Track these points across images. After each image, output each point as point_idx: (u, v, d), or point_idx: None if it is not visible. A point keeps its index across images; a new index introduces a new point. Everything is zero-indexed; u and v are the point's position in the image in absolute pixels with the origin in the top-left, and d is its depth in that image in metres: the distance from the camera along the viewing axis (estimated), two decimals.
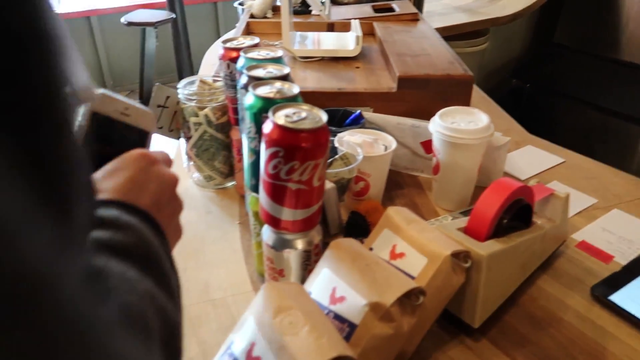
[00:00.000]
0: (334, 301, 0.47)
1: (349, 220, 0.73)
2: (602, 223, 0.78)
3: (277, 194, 0.49)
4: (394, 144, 0.75)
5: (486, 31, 2.01)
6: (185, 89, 0.75)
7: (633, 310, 0.61)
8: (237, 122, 0.71)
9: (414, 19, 1.24)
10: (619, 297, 0.63)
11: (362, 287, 0.46)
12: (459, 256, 0.52)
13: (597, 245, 0.73)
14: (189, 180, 0.85)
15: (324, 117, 0.47)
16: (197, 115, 0.74)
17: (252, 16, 1.27)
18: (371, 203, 0.76)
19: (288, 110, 0.47)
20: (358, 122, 0.80)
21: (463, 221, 0.60)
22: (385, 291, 0.45)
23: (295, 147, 0.45)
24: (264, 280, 0.64)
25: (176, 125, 0.78)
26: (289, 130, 0.45)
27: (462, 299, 0.56)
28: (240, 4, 1.38)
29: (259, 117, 0.51)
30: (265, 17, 1.27)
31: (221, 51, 0.67)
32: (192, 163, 0.81)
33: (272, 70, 0.57)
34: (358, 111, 0.78)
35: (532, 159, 0.95)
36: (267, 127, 0.46)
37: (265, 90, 0.52)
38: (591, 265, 0.70)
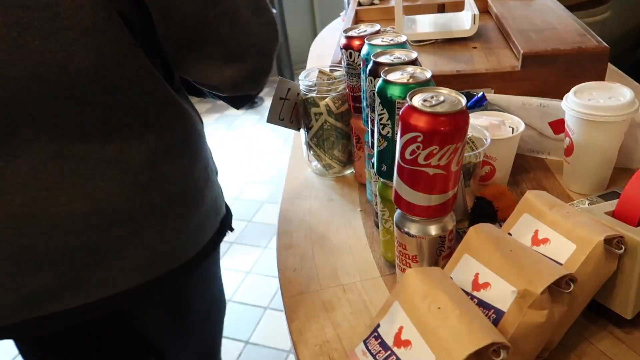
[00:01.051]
0: (478, 287, 0.46)
1: (475, 206, 0.71)
2: None
3: (414, 179, 0.48)
4: (522, 126, 0.72)
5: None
6: (305, 80, 0.77)
7: None
8: (356, 110, 0.72)
9: None
10: None
11: (508, 273, 0.45)
12: (612, 242, 0.49)
13: None
14: (309, 170, 0.88)
15: (462, 100, 0.46)
16: (317, 106, 0.76)
17: (359, 4, 1.27)
18: (497, 188, 0.73)
19: (425, 95, 0.47)
20: (481, 104, 0.77)
21: (609, 205, 0.56)
22: (535, 278, 0.44)
23: (435, 131, 0.45)
24: (393, 266, 0.65)
25: (296, 116, 0.81)
26: (429, 114, 0.44)
27: (612, 287, 0.52)
28: None
29: (392, 104, 0.51)
30: (372, 4, 1.26)
31: (343, 40, 0.67)
32: (312, 152, 0.83)
33: (400, 55, 0.57)
34: (481, 92, 0.75)
35: None
36: (404, 113, 0.46)
37: (397, 76, 0.52)
38: None
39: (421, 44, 0.99)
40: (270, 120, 0.77)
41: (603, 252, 0.48)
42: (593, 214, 0.53)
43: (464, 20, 1.03)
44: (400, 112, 0.47)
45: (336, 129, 0.78)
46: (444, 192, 0.49)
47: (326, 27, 1.57)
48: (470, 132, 0.69)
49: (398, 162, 0.49)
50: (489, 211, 0.71)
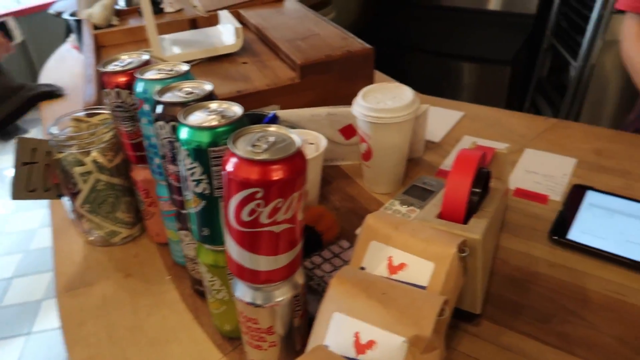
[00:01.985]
0: (362, 349, 0.39)
1: None
2: (523, 165, 0.81)
3: (257, 243, 0.38)
4: (323, 141, 0.68)
5: (328, 0, 2.00)
6: (56, 134, 0.58)
7: (591, 242, 0.63)
8: (140, 160, 0.57)
9: None
10: (574, 235, 0.64)
11: (391, 322, 0.39)
12: (459, 248, 0.48)
13: (530, 189, 0.75)
14: (85, 245, 0.68)
15: (294, 137, 0.38)
16: (82, 164, 0.58)
17: (95, 27, 1.06)
18: (314, 210, 0.68)
19: (250, 137, 0.37)
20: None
21: (433, 207, 0.56)
22: (419, 319, 0.39)
23: (277, 182, 0.35)
24: (234, 338, 0.53)
25: (53, 182, 0.61)
26: (265, 164, 0.35)
27: (461, 289, 0.52)
28: (72, 14, 1.15)
29: (205, 154, 0.39)
30: (110, 26, 1.07)
31: (104, 78, 0.52)
32: (86, 221, 0.64)
33: (191, 88, 0.45)
34: (272, 112, 0.69)
35: (436, 119, 0.95)
36: (231, 166, 0.35)
37: (201, 118, 0.40)
38: (534, 210, 0.71)
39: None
40: (15, 196, 0.56)
41: (458, 262, 0.46)
42: (429, 222, 0.52)
43: (223, 35, 0.95)
44: (224, 165, 0.36)
45: (114, 187, 0.61)
46: (293, 248, 0.41)
47: (51, 57, 1.30)
48: None
49: (232, 227, 0.38)
50: (313, 238, 0.65)
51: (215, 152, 0.39)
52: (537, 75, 2.23)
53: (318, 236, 0.66)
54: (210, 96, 0.44)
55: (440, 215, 0.54)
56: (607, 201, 0.69)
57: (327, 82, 0.79)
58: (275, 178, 0.35)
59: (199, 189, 0.42)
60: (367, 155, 0.73)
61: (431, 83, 2.28)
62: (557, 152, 0.83)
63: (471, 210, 0.55)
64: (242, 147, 0.36)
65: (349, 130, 0.78)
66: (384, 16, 2.50)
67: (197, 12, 0.98)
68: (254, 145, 0.36)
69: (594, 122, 1.84)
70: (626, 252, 0.61)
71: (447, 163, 0.83)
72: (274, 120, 0.69)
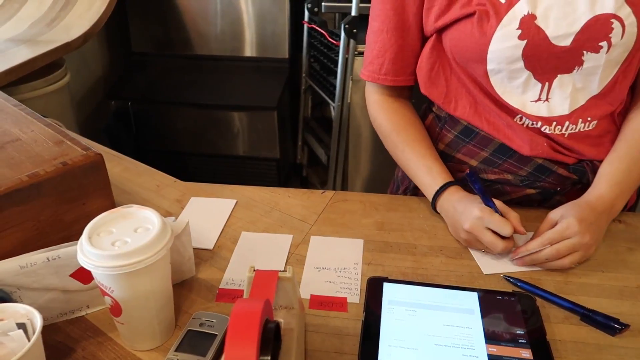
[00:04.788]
0: None
1: None
2: (312, 262, 0.71)
3: None
4: (37, 318, 0.45)
5: (62, 61, 1.68)
6: None
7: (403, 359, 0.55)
8: None
9: None
10: (384, 354, 0.56)
11: None
12: None
13: (325, 293, 0.65)
14: None
15: None
16: None
17: None
18: None
19: None
20: None
21: None
22: None
23: None
24: None
25: None
26: None
27: None
28: None
29: None
30: None
31: None
32: None
33: None
34: None
35: (205, 218, 0.79)
36: None
37: None
38: (335, 322, 0.61)
39: None
40: None
41: None
42: None
43: None
44: None
45: None
46: None
47: None
48: None
49: None
50: None
51: None
52: (303, 115, 2.28)
53: None
54: None
55: None
56: (405, 294, 0.63)
57: (38, 212, 0.56)
58: None
59: None
60: (115, 311, 0.53)
61: (199, 137, 2.14)
62: (342, 234, 0.76)
63: None
64: None
65: (84, 274, 0.57)
66: (137, 71, 2.27)
67: None
68: None
69: (359, 155, 1.94)
70: None
71: (228, 277, 0.68)
72: None
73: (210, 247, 0.73)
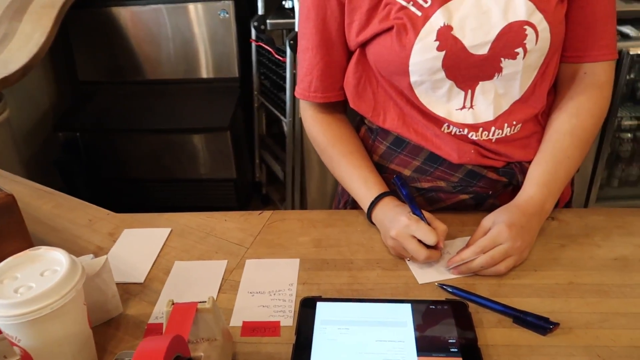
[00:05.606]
0: None
1: None
2: (245, 286, 0.70)
3: None
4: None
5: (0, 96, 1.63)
6: None
7: None
8: None
9: None
10: None
11: None
12: None
13: (258, 319, 0.64)
14: None
15: None
16: None
17: None
18: None
19: None
20: None
21: None
22: None
23: None
24: None
25: None
26: None
27: None
28: None
29: None
30: None
31: None
32: None
33: None
34: None
35: (136, 249, 0.77)
36: None
37: None
38: (267, 348, 0.60)
39: None
40: None
41: None
42: None
43: None
44: None
45: None
46: None
47: None
48: None
49: None
50: None
51: None
52: (258, 133, 2.27)
53: None
54: None
55: None
56: (338, 312, 0.62)
57: None
58: None
59: None
60: None
61: (155, 163, 2.11)
62: (278, 254, 0.75)
63: None
64: None
65: None
66: (85, 100, 2.22)
67: None
68: None
69: (315, 169, 1.93)
70: None
71: (158, 311, 0.66)
72: None
73: (141, 280, 0.70)
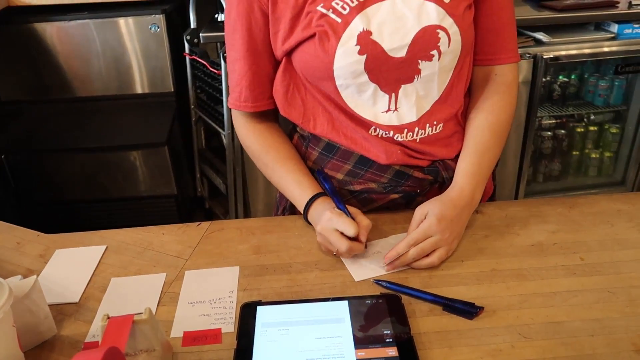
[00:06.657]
0: None
1: None
2: (185, 297, 0.70)
3: None
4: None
5: None
6: None
7: None
8: None
9: None
10: None
11: None
12: None
13: (199, 328, 0.64)
14: None
15: None
16: None
17: None
18: None
19: None
20: None
21: None
22: None
23: None
24: None
25: None
26: None
27: None
28: None
29: None
30: None
31: None
32: None
33: None
34: None
35: (70, 269, 0.75)
36: None
37: None
38: (210, 356, 0.60)
39: None
40: None
41: None
42: None
43: None
44: None
45: None
46: None
47: None
48: None
49: None
50: None
51: None
52: (198, 147, 2.25)
53: None
54: None
55: None
56: (278, 314, 0.64)
57: None
58: None
59: None
60: None
61: (90, 182, 2.03)
62: (218, 264, 0.76)
63: None
64: None
65: None
66: (9, 121, 2.12)
67: None
68: None
69: (257, 180, 1.94)
70: None
71: (95, 329, 0.64)
72: None
73: (76, 299, 0.69)
